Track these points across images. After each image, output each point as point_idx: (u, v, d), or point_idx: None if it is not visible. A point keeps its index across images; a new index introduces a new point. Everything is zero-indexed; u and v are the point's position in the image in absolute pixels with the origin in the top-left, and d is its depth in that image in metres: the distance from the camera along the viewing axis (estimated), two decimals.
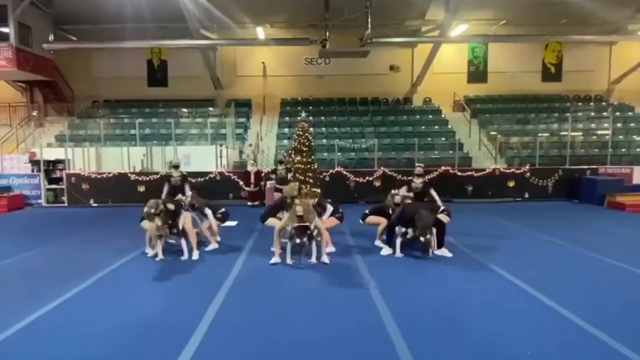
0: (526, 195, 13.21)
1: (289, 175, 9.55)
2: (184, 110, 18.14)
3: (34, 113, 18.04)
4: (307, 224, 6.01)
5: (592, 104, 18.68)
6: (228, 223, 9.59)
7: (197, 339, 3.78)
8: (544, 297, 4.76)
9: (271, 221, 6.69)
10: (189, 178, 9.01)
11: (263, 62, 18.89)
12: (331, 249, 6.74)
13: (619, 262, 6.21)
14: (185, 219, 6.57)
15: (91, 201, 13.15)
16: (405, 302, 4.60)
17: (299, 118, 13.12)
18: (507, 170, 13.42)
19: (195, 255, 6.48)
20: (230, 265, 6.16)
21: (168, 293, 5.07)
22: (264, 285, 5.27)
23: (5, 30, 14.55)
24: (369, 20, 13.63)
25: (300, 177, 8.83)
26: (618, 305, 4.59)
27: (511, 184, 13.22)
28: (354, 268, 5.99)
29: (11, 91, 18.32)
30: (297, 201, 6.13)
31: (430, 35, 16.65)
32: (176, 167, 8.75)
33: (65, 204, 13.22)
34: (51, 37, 15.54)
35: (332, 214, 6.76)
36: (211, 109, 18.44)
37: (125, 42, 15.61)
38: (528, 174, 13.25)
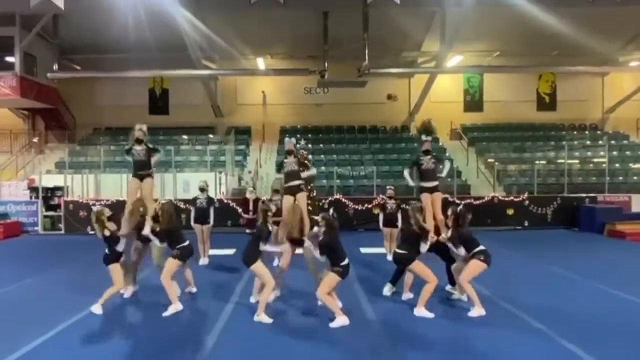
0: (526, 224, 13.16)
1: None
2: (184, 137, 18.30)
3: (35, 139, 18.18)
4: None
5: (587, 132, 18.93)
6: (224, 251, 9.53)
7: None
8: (556, 335, 4.66)
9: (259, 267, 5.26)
10: (214, 200, 8.96)
11: (263, 91, 19.22)
12: (341, 319, 5.04)
13: (631, 295, 6.07)
14: (167, 267, 5.54)
15: (88, 229, 13.03)
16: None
17: (297, 146, 13.24)
18: (506, 198, 13.42)
19: (171, 310, 5.39)
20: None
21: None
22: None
23: (11, 59, 14.89)
24: (367, 51, 13.98)
25: None
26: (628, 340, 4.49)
27: (510, 212, 13.19)
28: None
29: (13, 118, 18.52)
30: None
31: (427, 66, 17.04)
32: (202, 189, 8.66)
33: (62, 232, 13.11)
34: (56, 67, 15.84)
35: (332, 266, 5.10)
36: (211, 135, 18.61)
37: (128, 71, 15.92)
38: (527, 202, 13.25)
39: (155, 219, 5.83)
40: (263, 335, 4.75)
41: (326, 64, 14.72)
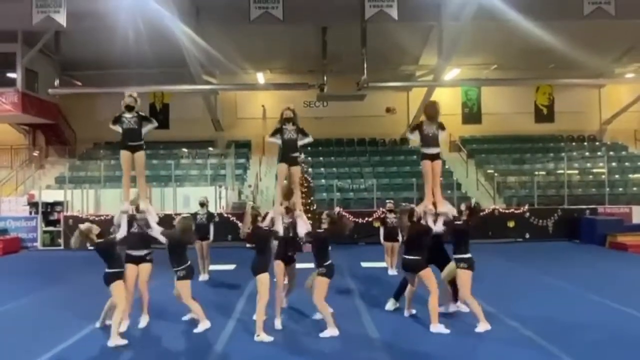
0: (527, 236, 13.12)
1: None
2: (184, 150, 18.35)
3: (35, 154, 18.21)
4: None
5: (585, 143, 19.02)
6: (225, 267, 9.45)
7: None
8: (561, 352, 4.58)
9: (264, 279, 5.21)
10: (214, 216, 8.90)
11: (263, 105, 19.31)
12: (332, 330, 5.18)
13: (634, 310, 5.98)
14: (181, 288, 5.46)
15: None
16: None
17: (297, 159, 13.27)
18: (507, 211, 13.41)
19: (202, 327, 5.41)
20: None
21: None
22: None
23: (13, 75, 15.01)
24: (365, 65, 14.11)
25: None
26: None
27: (511, 224, 13.16)
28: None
29: (14, 134, 18.58)
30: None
31: (425, 80, 17.21)
32: (202, 205, 8.60)
33: (62, 247, 13.03)
34: (57, 83, 15.96)
35: (318, 267, 5.28)
36: (211, 149, 18.66)
37: (129, 87, 15.93)
38: (528, 214, 13.22)
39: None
40: (264, 354, 4.69)
41: (325, 78, 14.86)
